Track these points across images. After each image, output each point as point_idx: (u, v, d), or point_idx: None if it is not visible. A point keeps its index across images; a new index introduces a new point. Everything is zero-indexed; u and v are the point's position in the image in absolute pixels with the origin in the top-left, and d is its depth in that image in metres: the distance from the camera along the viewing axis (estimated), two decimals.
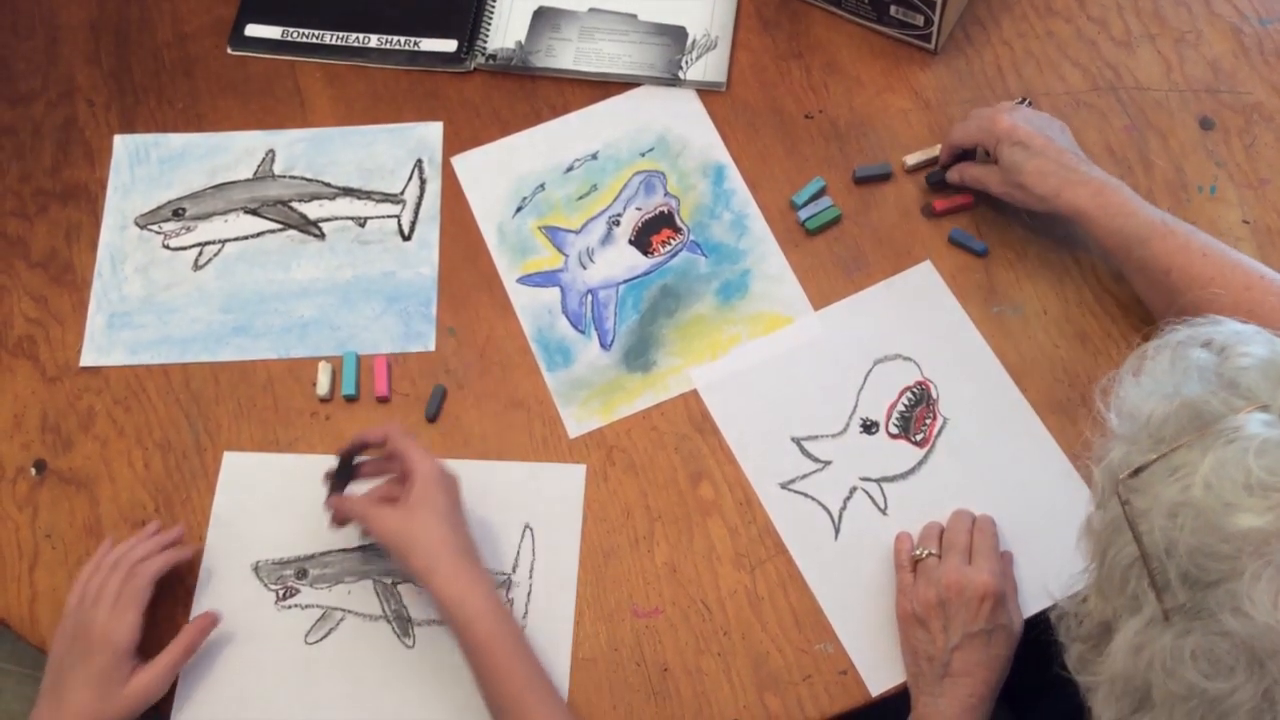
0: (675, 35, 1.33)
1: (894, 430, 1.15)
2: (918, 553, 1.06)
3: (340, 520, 1.09)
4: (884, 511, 1.12)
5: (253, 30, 1.36)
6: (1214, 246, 1.07)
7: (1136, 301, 1.18)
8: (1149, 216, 1.08)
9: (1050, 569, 1.05)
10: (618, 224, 1.25)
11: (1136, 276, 1.11)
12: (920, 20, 1.28)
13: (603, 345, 1.20)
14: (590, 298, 1.22)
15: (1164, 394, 0.73)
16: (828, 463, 1.14)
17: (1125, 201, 1.09)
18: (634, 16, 1.34)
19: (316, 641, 1.09)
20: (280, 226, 1.26)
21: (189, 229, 1.26)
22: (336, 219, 1.27)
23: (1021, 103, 1.23)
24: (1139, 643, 0.70)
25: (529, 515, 1.12)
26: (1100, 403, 0.77)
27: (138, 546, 1.08)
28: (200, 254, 1.25)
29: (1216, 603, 0.66)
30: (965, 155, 1.22)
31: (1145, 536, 0.69)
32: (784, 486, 1.13)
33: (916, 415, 1.15)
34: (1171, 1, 1.33)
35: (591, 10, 1.35)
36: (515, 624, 1.03)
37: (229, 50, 1.35)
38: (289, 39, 1.35)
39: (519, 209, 1.26)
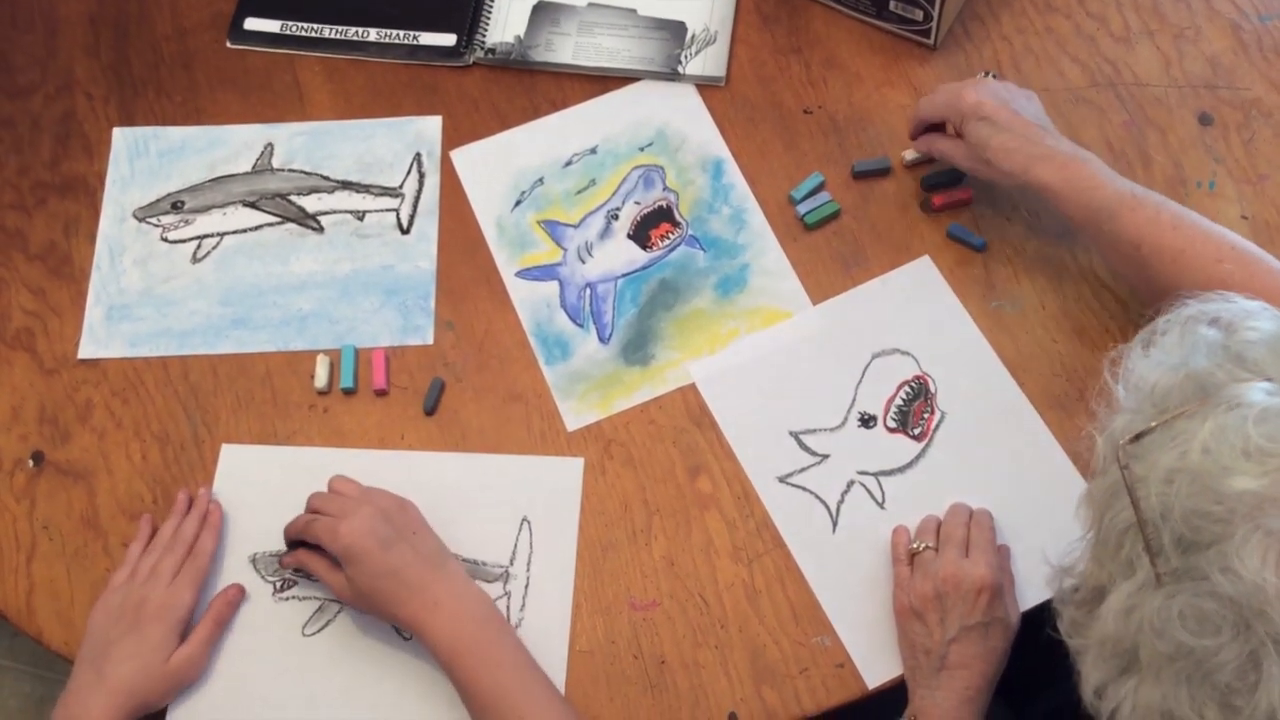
0: (674, 30, 1.33)
1: (892, 424, 1.15)
2: (915, 546, 1.06)
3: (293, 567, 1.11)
4: (881, 505, 1.12)
5: (252, 24, 1.36)
6: (1185, 217, 1.04)
7: (1135, 297, 1.18)
8: (1117, 189, 1.06)
9: (1045, 565, 1.06)
10: (616, 218, 1.25)
11: (1108, 252, 1.10)
12: (919, 15, 1.28)
13: (601, 339, 1.20)
14: (589, 292, 1.22)
15: (1170, 366, 0.74)
16: (825, 456, 1.14)
17: (1093, 175, 1.07)
18: (633, 11, 1.34)
19: (314, 633, 1.09)
20: (279, 220, 1.26)
21: (187, 222, 1.26)
22: (335, 212, 1.27)
23: (987, 75, 1.21)
24: (1130, 605, 0.70)
25: (527, 508, 1.12)
26: (1109, 374, 0.78)
27: (186, 526, 1.10)
28: (199, 247, 1.25)
29: (1208, 563, 0.66)
30: (935, 127, 1.21)
31: (1142, 501, 0.69)
32: (782, 480, 1.13)
33: (914, 409, 1.15)
34: None
35: (591, 5, 1.35)
36: (491, 634, 1.03)
37: (228, 44, 1.35)
38: (288, 33, 1.35)
39: (518, 203, 1.26)
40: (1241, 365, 0.71)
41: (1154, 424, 0.70)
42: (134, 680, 1.02)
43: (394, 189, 1.27)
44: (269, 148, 1.30)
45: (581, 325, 1.20)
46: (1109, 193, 1.06)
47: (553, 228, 1.25)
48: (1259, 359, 0.71)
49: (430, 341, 1.20)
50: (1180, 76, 1.29)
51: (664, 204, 1.26)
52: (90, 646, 1.04)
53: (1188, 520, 0.67)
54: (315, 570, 1.07)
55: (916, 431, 1.14)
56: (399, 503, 1.08)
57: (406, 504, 1.08)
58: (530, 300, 1.22)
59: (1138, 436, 0.71)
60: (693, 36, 1.33)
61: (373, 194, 1.27)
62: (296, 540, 1.08)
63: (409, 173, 1.28)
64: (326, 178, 1.28)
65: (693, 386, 1.17)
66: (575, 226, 1.25)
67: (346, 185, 1.28)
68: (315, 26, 1.35)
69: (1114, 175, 1.08)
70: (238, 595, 1.09)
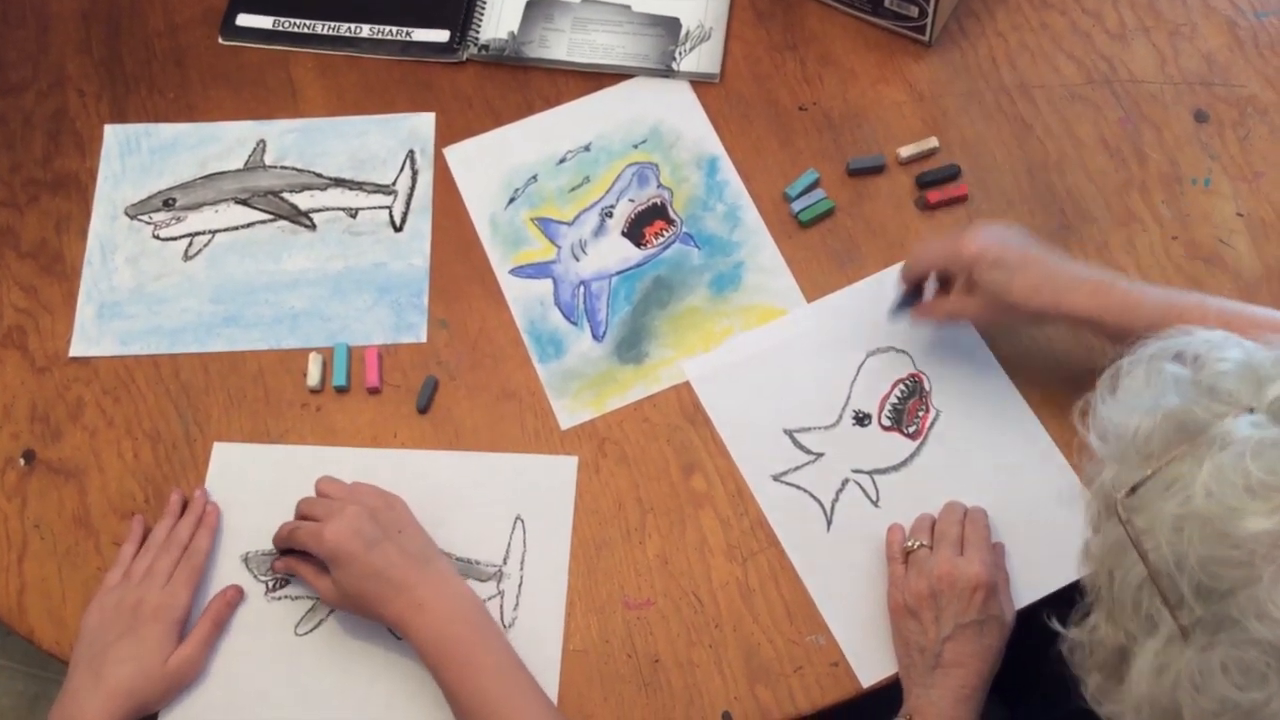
0: (669, 26, 1.32)
1: (886, 422, 1.14)
2: (909, 544, 1.06)
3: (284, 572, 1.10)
4: (876, 503, 1.11)
5: (244, 20, 1.35)
6: (1228, 307, 0.99)
7: None
8: (1155, 302, 1.00)
9: (1042, 560, 1.06)
10: (610, 215, 1.25)
11: None
12: (915, 12, 1.28)
13: (595, 337, 1.19)
14: (583, 289, 1.22)
15: (1145, 409, 0.72)
16: (820, 454, 1.13)
17: (1125, 293, 1.01)
18: (627, 7, 1.34)
19: (306, 633, 1.08)
20: (271, 217, 1.26)
21: (179, 219, 1.26)
22: (328, 210, 1.26)
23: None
24: (1160, 664, 0.68)
25: (520, 507, 1.12)
26: (1080, 425, 0.76)
27: (181, 526, 1.10)
28: (190, 244, 1.25)
29: (1239, 610, 0.64)
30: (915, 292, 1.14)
31: (1152, 554, 0.68)
32: (776, 478, 1.13)
33: (909, 407, 1.15)
34: None
35: (585, 1, 1.34)
36: (476, 636, 1.02)
37: (220, 40, 1.35)
38: (280, 29, 1.34)
39: (511, 200, 1.26)
40: (1216, 398, 0.70)
41: (1147, 473, 0.69)
42: (132, 682, 1.01)
43: (387, 186, 1.27)
44: (261, 144, 1.29)
45: (575, 323, 1.20)
46: (1147, 309, 0.99)
47: (546, 225, 1.25)
48: (1233, 390, 0.70)
49: (423, 339, 1.20)
50: (1176, 73, 1.28)
51: (658, 201, 1.25)
52: (86, 648, 1.04)
53: (1205, 568, 0.65)
54: (303, 576, 1.07)
55: (911, 429, 1.14)
56: (386, 500, 1.08)
57: (394, 501, 1.08)
58: (524, 298, 1.21)
59: (1133, 489, 0.69)
60: (687, 33, 1.32)
61: (365, 191, 1.27)
62: (286, 547, 1.08)
63: (402, 170, 1.27)
64: (319, 175, 1.27)
65: (687, 384, 1.17)
66: (569, 224, 1.25)
67: (339, 182, 1.27)
68: (308, 22, 1.35)
69: (1142, 286, 1.03)
70: (236, 596, 1.08)
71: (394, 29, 1.33)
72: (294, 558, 1.07)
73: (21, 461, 1.16)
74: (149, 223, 1.26)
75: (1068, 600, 0.77)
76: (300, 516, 1.08)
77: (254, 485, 1.14)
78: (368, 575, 1.02)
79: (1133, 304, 1.00)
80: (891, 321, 1.15)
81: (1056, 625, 0.77)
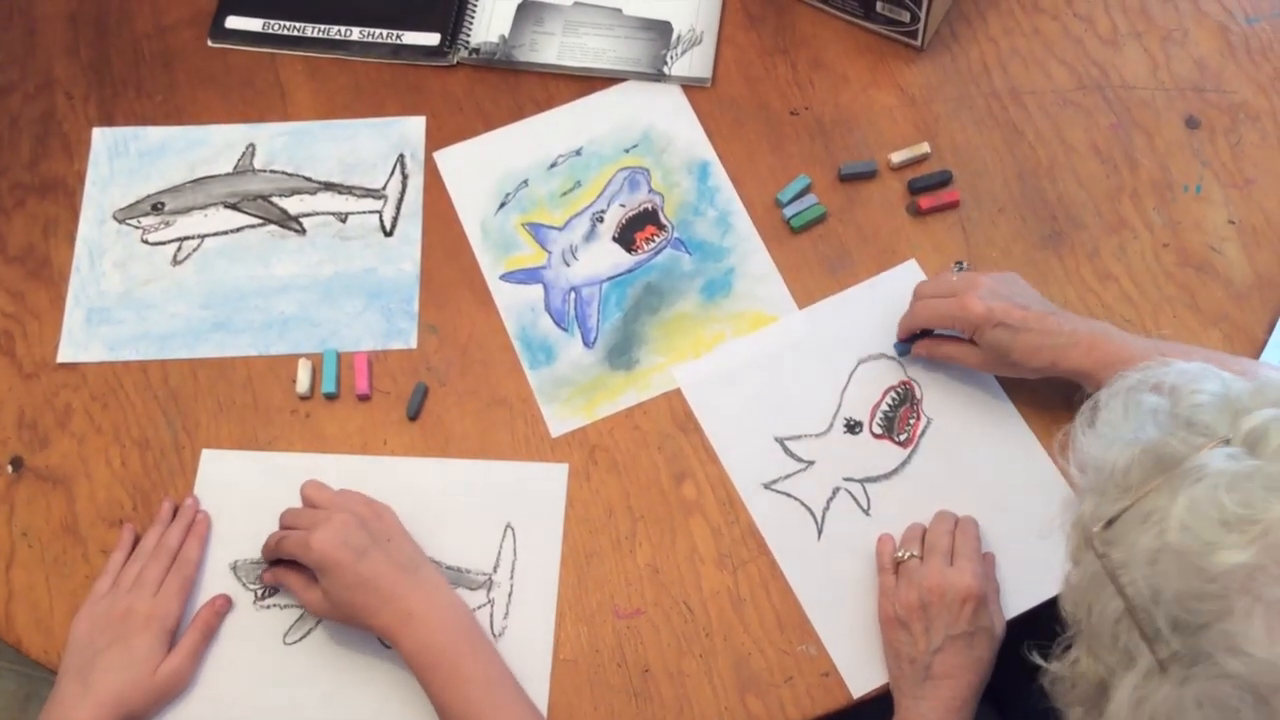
0: (660, 30, 1.32)
1: (877, 430, 1.14)
2: (900, 554, 1.06)
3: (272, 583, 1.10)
4: (867, 512, 1.11)
5: (233, 22, 1.34)
6: (1214, 358, 1.00)
7: (1120, 301, 1.18)
8: (1144, 351, 1.01)
9: (1033, 571, 1.06)
10: (601, 221, 1.24)
11: None
12: (906, 17, 1.27)
13: (586, 343, 1.19)
14: (573, 295, 1.21)
15: (1123, 442, 0.72)
16: (811, 463, 1.13)
17: (1119, 349, 1.03)
18: (619, 11, 1.33)
19: (295, 641, 1.08)
20: (260, 221, 1.25)
21: (168, 224, 1.25)
22: (317, 214, 1.25)
23: (959, 267, 1.16)
24: (1139, 697, 0.68)
25: (511, 515, 1.12)
26: (1060, 458, 0.76)
27: (170, 534, 1.10)
28: (179, 249, 1.24)
29: (1212, 645, 0.65)
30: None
31: (1129, 587, 0.68)
32: (767, 486, 1.12)
33: (900, 415, 1.15)
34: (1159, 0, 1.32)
35: (576, 4, 1.34)
36: (464, 646, 1.02)
37: (209, 42, 1.34)
38: (270, 31, 1.34)
39: (502, 205, 1.25)
40: (1193, 430, 0.70)
41: (1122, 506, 0.69)
42: (121, 691, 1.01)
43: (377, 190, 1.26)
44: (250, 148, 1.28)
45: (566, 329, 1.20)
46: (1139, 360, 0.97)
47: (537, 230, 1.24)
48: (1209, 422, 0.70)
49: (413, 345, 1.19)
50: (1168, 79, 1.28)
51: (649, 206, 1.25)
52: (75, 657, 1.03)
53: (1181, 602, 0.66)
54: (292, 588, 1.06)
55: (902, 438, 1.14)
56: (374, 508, 1.07)
57: (382, 509, 1.08)
58: (514, 304, 1.21)
59: (1109, 522, 0.69)
60: (678, 37, 1.32)
61: (355, 196, 1.26)
62: (274, 558, 1.08)
63: (392, 174, 1.27)
64: (309, 179, 1.27)
65: (678, 391, 1.17)
66: (560, 229, 1.24)
67: (329, 187, 1.26)
68: (297, 25, 1.34)
69: (1133, 339, 1.06)
70: (225, 605, 1.08)
71: (384, 32, 1.33)
72: (282, 568, 1.07)
73: (9, 469, 1.15)
74: (137, 227, 1.25)
75: (1049, 632, 0.77)
76: (286, 526, 1.07)
77: (243, 493, 1.13)
78: (356, 585, 1.02)
79: (1125, 357, 1.02)
80: (897, 354, 1.16)
81: (1037, 659, 0.77)
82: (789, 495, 1.12)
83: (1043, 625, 0.80)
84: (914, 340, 1.15)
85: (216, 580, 1.10)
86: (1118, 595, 0.69)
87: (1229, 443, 0.69)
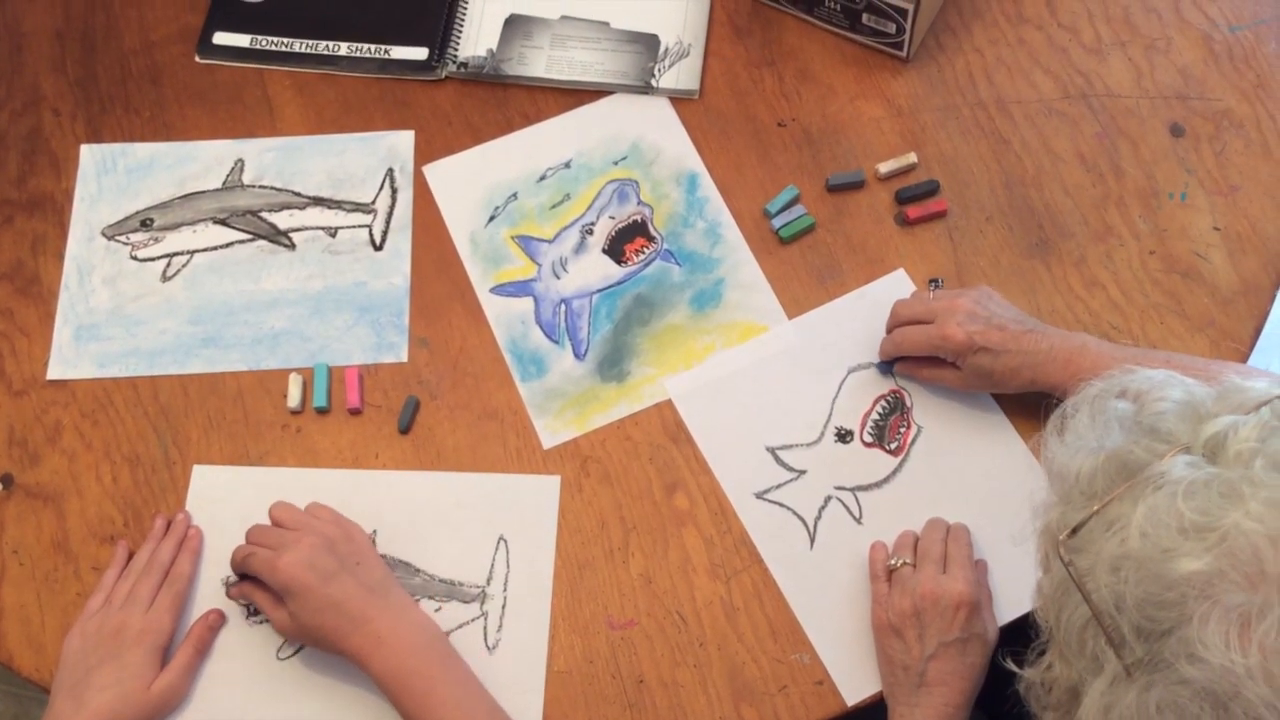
0: (648, 43, 1.32)
1: (868, 439, 1.15)
2: (893, 562, 1.06)
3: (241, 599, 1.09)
4: (859, 520, 1.12)
5: (221, 38, 1.34)
6: (1192, 363, 1.04)
7: (1108, 309, 1.19)
8: (1122, 361, 1.02)
9: (1024, 578, 1.06)
10: (591, 233, 1.25)
11: None
12: (892, 28, 1.28)
13: (577, 355, 1.19)
14: (564, 307, 1.21)
15: (1089, 449, 0.73)
16: (802, 472, 1.13)
17: (1095, 360, 1.05)
18: (606, 24, 1.34)
19: (288, 657, 1.08)
20: (250, 237, 1.25)
21: (157, 240, 1.25)
22: (307, 229, 1.25)
23: (935, 285, 1.18)
24: (1106, 703, 0.69)
25: (503, 527, 1.12)
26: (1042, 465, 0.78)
27: (163, 549, 1.09)
28: (169, 265, 1.24)
29: (1171, 652, 0.66)
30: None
31: (1093, 594, 0.69)
32: (759, 496, 1.13)
33: (891, 424, 1.15)
34: (1142, 9, 1.33)
35: (563, 18, 1.34)
36: (434, 669, 1.01)
37: (197, 58, 1.34)
38: (258, 47, 1.34)
39: (491, 218, 1.26)
40: (1156, 438, 0.71)
41: (1087, 514, 0.70)
42: (115, 708, 1.01)
43: (366, 205, 1.26)
44: (239, 164, 1.28)
45: (557, 342, 1.20)
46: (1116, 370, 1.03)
47: (527, 243, 1.25)
48: (1172, 429, 0.71)
49: (404, 359, 1.19)
50: (1152, 87, 1.29)
51: (639, 218, 1.25)
52: (68, 674, 1.03)
53: (1142, 609, 0.67)
54: (260, 604, 1.06)
55: (893, 446, 1.14)
56: (344, 531, 1.06)
57: (353, 531, 1.07)
58: (505, 317, 1.21)
59: (1074, 530, 0.70)
60: (666, 50, 1.32)
61: (345, 210, 1.26)
62: (241, 572, 1.07)
63: (381, 188, 1.27)
64: (298, 194, 1.27)
65: (669, 402, 1.17)
66: (550, 242, 1.25)
67: (318, 201, 1.27)
68: (285, 40, 1.34)
69: (1111, 348, 1.07)
70: (218, 620, 1.08)
71: (372, 47, 1.33)
72: (250, 584, 1.06)
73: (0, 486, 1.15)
74: (126, 243, 1.25)
75: (1025, 639, 0.78)
76: (253, 543, 1.06)
77: (235, 508, 1.13)
78: (323, 608, 1.01)
79: (1102, 368, 1.02)
80: (880, 374, 1.17)
81: (1012, 666, 0.78)
82: (781, 505, 1.12)
83: (1022, 633, 0.81)
84: (895, 361, 1.16)
85: (208, 596, 1.10)
86: (1084, 603, 0.69)
87: (1190, 450, 0.69)
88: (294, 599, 1.01)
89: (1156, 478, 0.68)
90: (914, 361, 1.14)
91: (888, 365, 1.16)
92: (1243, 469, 0.67)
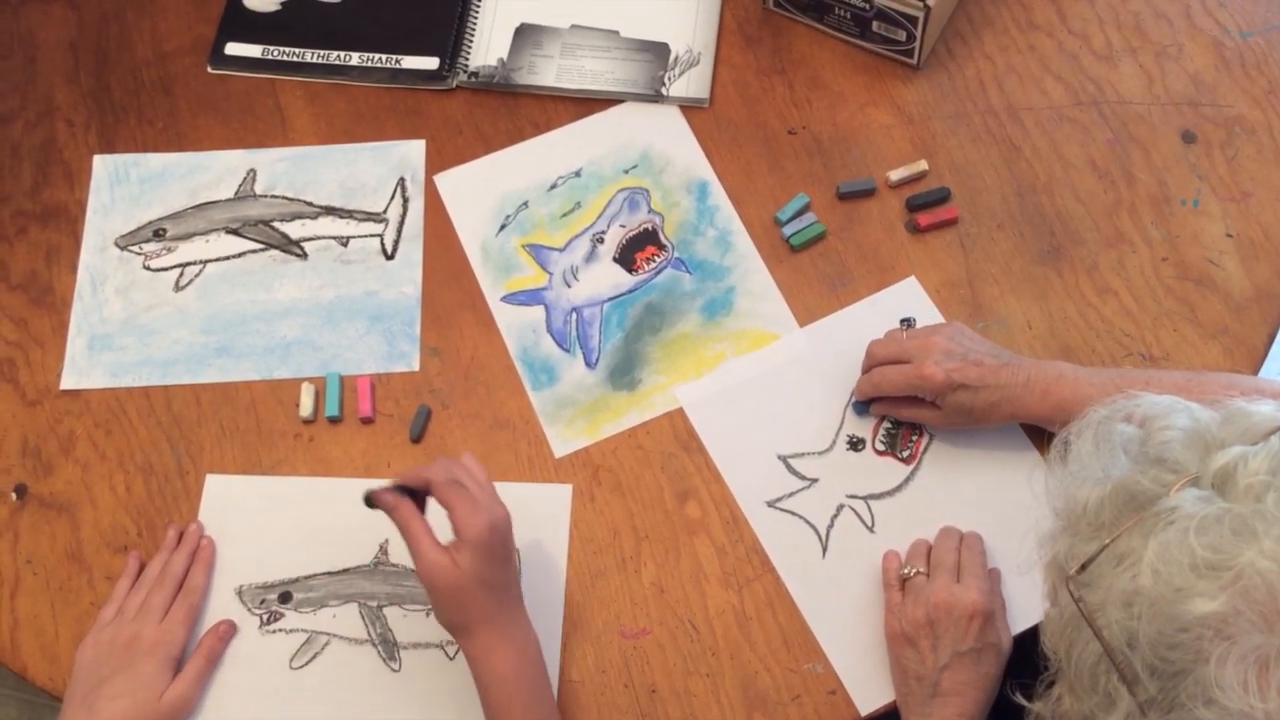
0: (658, 51, 1.33)
1: (880, 447, 1.15)
2: (906, 571, 1.06)
3: (376, 505, 1.00)
4: (871, 529, 1.11)
5: (233, 49, 1.35)
6: (1180, 379, 1.04)
7: (1120, 316, 1.18)
8: (1101, 385, 1.03)
9: (1038, 587, 1.06)
10: (602, 241, 1.25)
11: None
12: (902, 36, 1.28)
13: (588, 364, 1.19)
14: (575, 316, 1.22)
15: (1095, 478, 0.72)
16: (814, 480, 1.13)
17: (1074, 388, 1.04)
18: (616, 33, 1.34)
19: (301, 666, 1.08)
20: (262, 246, 1.26)
21: (170, 249, 1.25)
22: (319, 238, 1.26)
23: (906, 324, 1.15)
24: None
25: (515, 536, 1.11)
26: (1034, 493, 0.77)
27: (175, 560, 1.10)
28: (181, 275, 1.24)
29: (1188, 694, 0.65)
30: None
31: (1105, 631, 0.68)
32: (771, 505, 1.12)
33: (903, 432, 1.15)
34: (1153, 15, 1.33)
35: (573, 27, 1.34)
36: (539, 688, 1.00)
37: (209, 69, 1.35)
38: (269, 57, 1.34)
39: (502, 227, 1.26)
40: (1164, 467, 0.70)
41: (1096, 548, 0.69)
42: (127, 717, 1.01)
43: (378, 214, 1.27)
44: (251, 173, 1.29)
45: (568, 350, 1.20)
46: (1096, 396, 0.95)
47: (538, 252, 1.25)
48: (1179, 458, 0.70)
49: (416, 368, 1.19)
50: (1163, 94, 1.29)
51: (649, 226, 1.25)
52: (80, 684, 1.03)
53: (1155, 649, 0.66)
54: (409, 530, 0.97)
55: (905, 454, 1.14)
56: (510, 521, 1.01)
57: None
58: (516, 325, 1.21)
59: (1084, 566, 0.69)
60: (676, 58, 1.32)
61: (356, 219, 1.26)
62: (401, 487, 1.00)
63: (393, 197, 1.27)
64: (310, 203, 1.27)
65: (680, 411, 1.17)
66: (561, 250, 1.25)
67: (330, 211, 1.27)
68: (297, 51, 1.34)
69: (1089, 373, 1.06)
70: (229, 630, 1.08)
71: (383, 57, 1.33)
72: (410, 508, 0.98)
73: (13, 496, 1.15)
74: (139, 253, 1.25)
75: (1034, 668, 0.77)
76: (443, 495, 0.98)
77: (247, 517, 1.13)
78: (491, 583, 0.96)
79: (1082, 396, 1.03)
80: (856, 414, 1.16)
81: (1021, 699, 0.77)
82: (793, 513, 1.12)
83: (1030, 662, 0.80)
84: (873, 401, 1.15)
85: (221, 605, 1.10)
86: (1095, 639, 0.69)
87: (1199, 481, 0.69)
88: (474, 554, 0.95)
89: (1167, 512, 0.67)
90: (890, 401, 1.13)
91: (864, 405, 1.15)
92: (1254, 503, 0.66)
